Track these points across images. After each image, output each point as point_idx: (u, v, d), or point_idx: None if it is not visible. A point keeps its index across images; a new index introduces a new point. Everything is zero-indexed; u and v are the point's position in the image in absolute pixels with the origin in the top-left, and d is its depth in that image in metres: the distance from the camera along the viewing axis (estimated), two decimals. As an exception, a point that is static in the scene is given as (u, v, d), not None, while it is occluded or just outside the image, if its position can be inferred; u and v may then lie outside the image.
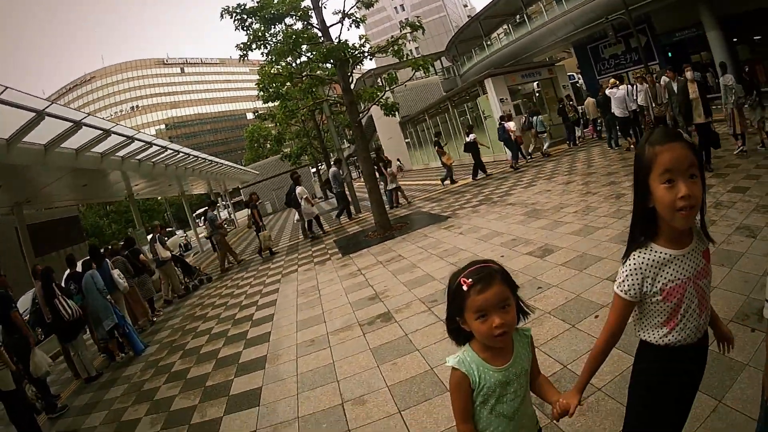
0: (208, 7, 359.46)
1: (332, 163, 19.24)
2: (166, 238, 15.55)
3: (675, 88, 12.73)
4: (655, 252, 1.92)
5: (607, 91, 17.28)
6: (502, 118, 20.46)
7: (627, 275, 1.96)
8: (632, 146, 15.78)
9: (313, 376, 5.49)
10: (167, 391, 6.69)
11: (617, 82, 17.41)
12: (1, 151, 9.35)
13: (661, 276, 1.92)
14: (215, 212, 17.40)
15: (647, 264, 1.92)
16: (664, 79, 15.16)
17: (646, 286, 1.94)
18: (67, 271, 10.61)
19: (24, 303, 14.18)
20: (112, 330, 9.50)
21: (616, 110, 16.25)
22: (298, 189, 16.53)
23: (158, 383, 7.20)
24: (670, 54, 28.87)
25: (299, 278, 11.00)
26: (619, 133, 17.15)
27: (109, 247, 13.84)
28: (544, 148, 21.26)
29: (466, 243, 9.32)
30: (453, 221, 11.96)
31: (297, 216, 17.51)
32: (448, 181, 20.62)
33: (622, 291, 1.98)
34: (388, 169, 18.08)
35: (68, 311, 8.84)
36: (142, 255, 13.38)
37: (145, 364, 8.61)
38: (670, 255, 1.91)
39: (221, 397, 5.81)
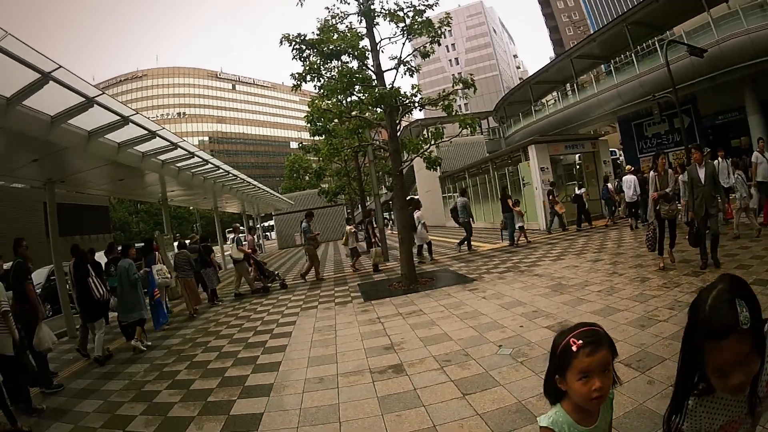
0: (270, 29, 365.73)
1: (460, 194, 20.34)
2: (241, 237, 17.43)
3: (702, 177, 9.83)
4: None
5: (624, 178, 19.10)
6: (605, 179, 21.92)
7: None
8: (633, 227, 18.14)
9: (316, 413, 5.49)
10: (168, 397, 6.76)
11: (632, 168, 20.52)
12: (45, 128, 9.58)
13: None
14: (308, 224, 17.94)
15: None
16: (671, 172, 11.45)
17: None
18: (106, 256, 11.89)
19: (38, 277, 14.64)
20: (139, 320, 10.28)
21: (627, 194, 18.55)
22: (417, 213, 17.43)
23: (159, 387, 7.30)
24: (711, 137, 28.99)
25: (318, 315, 11.05)
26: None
27: (186, 241, 16.40)
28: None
29: (488, 308, 9.30)
30: (478, 284, 11.92)
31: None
32: (560, 229, 21.60)
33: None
34: (517, 208, 18.71)
35: (99, 291, 9.79)
36: (212, 254, 16.08)
37: (150, 366, 8.73)
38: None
39: (221, 414, 5.83)
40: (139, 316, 10.24)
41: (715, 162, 14.49)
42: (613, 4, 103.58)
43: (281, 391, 6.36)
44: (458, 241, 19.68)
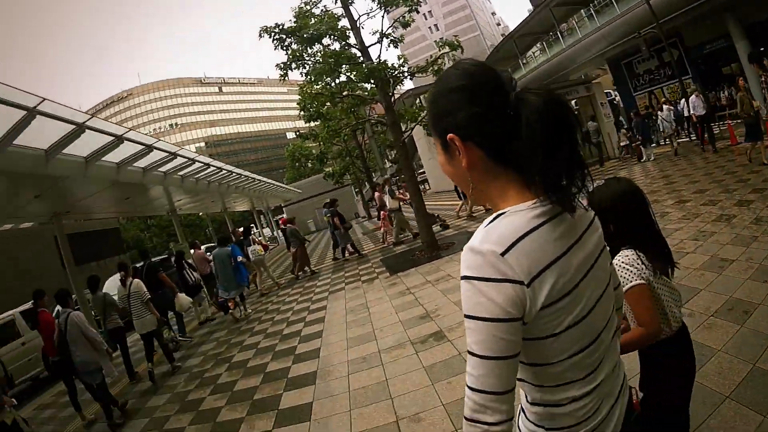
0: (246, 27, 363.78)
1: (591, 119, 21.51)
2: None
3: None
4: None
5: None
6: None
7: None
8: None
9: (365, 393, 5.46)
10: (213, 402, 6.76)
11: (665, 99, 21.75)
12: (40, 162, 9.53)
13: None
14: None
15: None
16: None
17: None
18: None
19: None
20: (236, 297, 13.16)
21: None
22: None
23: (203, 394, 7.30)
24: (702, 68, 28.62)
25: (347, 296, 11.00)
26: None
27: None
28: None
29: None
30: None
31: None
32: None
33: None
34: None
35: (192, 278, 13.50)
36: (295, 227, 17.39)
37: (189, 375, 8.72)
38: None
39: (270, 410, 5.82)
40: (234, 293, 12.99)
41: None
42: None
43: (326, 377, 6.31)
44: None
